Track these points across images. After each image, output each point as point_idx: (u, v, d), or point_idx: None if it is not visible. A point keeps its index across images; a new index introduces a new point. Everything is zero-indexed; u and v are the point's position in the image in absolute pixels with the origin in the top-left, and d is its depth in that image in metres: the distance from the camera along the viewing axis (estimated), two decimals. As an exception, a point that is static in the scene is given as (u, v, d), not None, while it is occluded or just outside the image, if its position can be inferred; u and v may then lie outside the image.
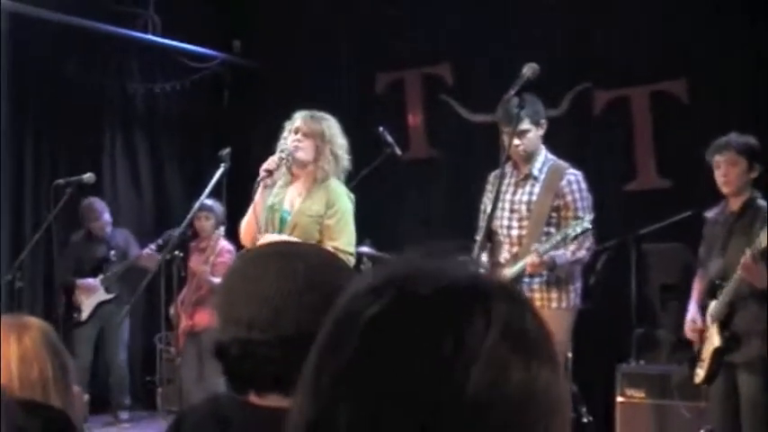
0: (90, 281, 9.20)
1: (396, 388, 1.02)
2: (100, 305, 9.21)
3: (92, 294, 9.20)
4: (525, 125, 5.72)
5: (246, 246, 5.84)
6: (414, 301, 1.06)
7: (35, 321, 2.83)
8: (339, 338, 1.07)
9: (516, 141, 5.73)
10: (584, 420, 7.79)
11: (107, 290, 9.22)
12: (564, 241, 5.72)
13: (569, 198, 5.94)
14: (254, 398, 1.95)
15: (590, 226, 5.69)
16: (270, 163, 5.75)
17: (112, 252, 9.26)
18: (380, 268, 1.14)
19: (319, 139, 5.77)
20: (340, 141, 5.83)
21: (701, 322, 5.87)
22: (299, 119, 5.85)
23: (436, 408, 1.01)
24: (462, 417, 1.02)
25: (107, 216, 9.31)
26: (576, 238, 5.71)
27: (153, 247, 8.93)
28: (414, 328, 1.04)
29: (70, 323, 9.12)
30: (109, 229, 9.35)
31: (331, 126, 5.82)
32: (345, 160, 5.87)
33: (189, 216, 6.85)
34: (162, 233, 8.87)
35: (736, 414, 5.84)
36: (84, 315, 9.18)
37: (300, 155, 5.78)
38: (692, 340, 5.98)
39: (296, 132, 5.81)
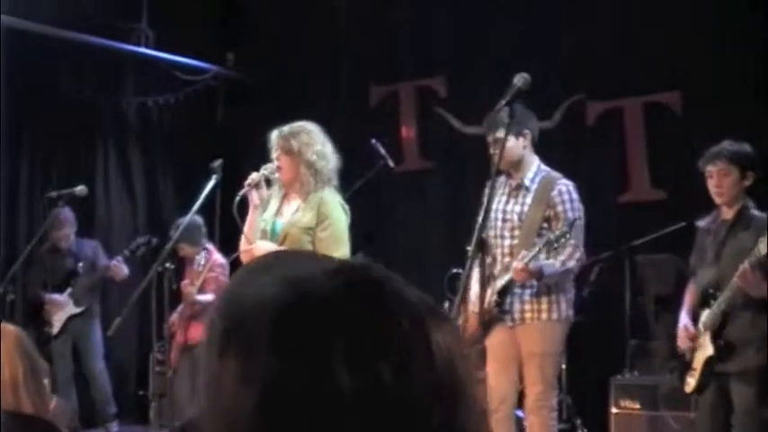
0: (57, 296, 9.07)
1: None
2: (70, 319, 9.10)
3: (61, 309, 9.09)
4: (500, 134, 5.66)
5: None
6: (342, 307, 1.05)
7: (8, 327, 2.88)
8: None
9: (492, 150, 5.72)
10: (579, 432, 7.79)
11: (76, 303, 9.10)
12: (548, 246, 5.72)
13: (559, 208, 5.95)
14: None
15: (567, 229, 5.68)
16: (252, 178, 5.77)
17: (80, 264, 9.16)
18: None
19: (291, 154, 5.76)
20: (315, 149, 5.78)
21: (694, 330, 5.85)
22: (273, 138, 5.87)
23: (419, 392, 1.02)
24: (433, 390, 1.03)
25: (69, 229, 9.11)
26: (557, 240, 5.71)
27: (120, 258, 8.89)
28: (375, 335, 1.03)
29: (42, 338, 9.03)
30: (72, 240, 9.20)
31: (301, 139, 5.78)
32: (329, 165, 5.83)
33: (178, 231, 6.85)
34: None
35: (725, 425, 5.82)
36: (55, 330, 9.08)
37: (282, 174, 5.81)
38: (683, 349, 5.96)
39: (275, 152, 5.84)
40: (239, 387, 1.04)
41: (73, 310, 9.11)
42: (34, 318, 9.08)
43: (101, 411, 9.30)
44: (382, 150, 7.39)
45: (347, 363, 1.00)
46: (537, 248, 5.73)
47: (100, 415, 9.30)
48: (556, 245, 5.73)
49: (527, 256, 5.74)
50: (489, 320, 5.80)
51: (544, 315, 5.94)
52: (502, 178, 6.04)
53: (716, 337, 5.72)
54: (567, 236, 5.71)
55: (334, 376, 1.00)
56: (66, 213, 9.08)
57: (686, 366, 5.90)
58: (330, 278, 1.06)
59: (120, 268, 8.84)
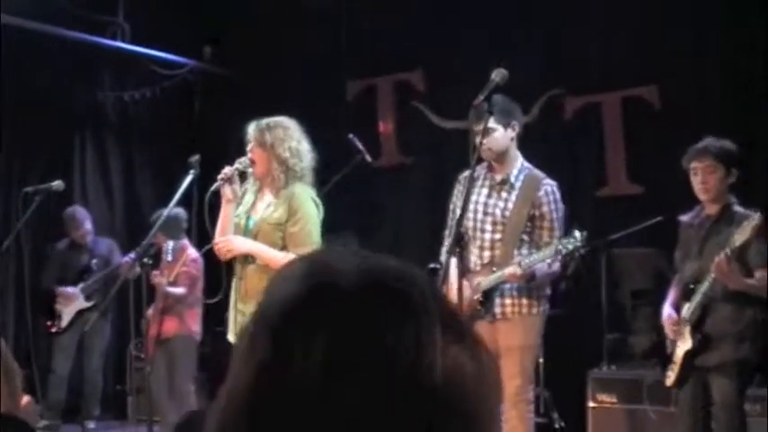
0: (70, 289, 9.19)
1: (363, 404, 1.01)
2: (80, 313, 9.19)
3: (72, 302, 9.18)
4: (490, 123, 5.68)
5: (222, 260, 5.85)
6: (349, 308, 1.05)
7: None
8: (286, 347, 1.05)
9: (477, 140, 5.71)
10: (557, 426, 7.82)
11: (87, 298, 9.20)
12: (554, 256, 5.72)
13: (545, 209, 5.96)
14: None
15: (582, 244, 5.68)
16: (225, 172, 5.74)
17: (94, 261, 9.26)
18: (296, 277, 1.11)
19: (264, 148, 5.74)
20: (288, 145, 5.74)
21: (677, 317, 5.87)
22: (249, 131, 5.83)
23: (408, 410, 1.01)
24: (423, 412, 1.01)
25: (88, 225, 9.37)
26: (570, 254, 5.73)
27: (133, 256, 8.91)
28: (361, 336, 1.03)
29: (50, 331, 9.10)
30: (90, 238, 9.37)
31: (275, 133, 5.74)
32: (302, 162, 5.79)
33: (155, 227, 6.82)
34: (132, 240, 8.85)
35: (704, 418, 5.86)
36: (64, 323, 9.15)
37: (256, 168, 5.78)
38: (668, 337, 5.96)
39: (250, 144, 5.82)
40: (239, 367, 1.07)
41: (83, 304, 9.23)
42: (45, 311, 9.14)
43: (86, 408, 9.30)
44: (360, 145, 7.38)
45: (325, 358, 1.01)
46: (542, 257, 5.72)
47: (83, 411, 9.30)
48: (563, 257, 5.76)
49: (528, 263, 5.73)
50: (468, 317, 5.80)
51: (525, 310, 5.95)
52: (481, 169, 6.02)
53: (695, 331, 5.75)
54: (581, 251, 5.73)
55: (311, 368, 1.01)
56: (82, 212, 9.28)
57: (667, 360, 5.93)
58: (354, 275, 1.08)
59: (134, 266, 8.86)
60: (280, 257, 5.48)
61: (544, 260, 5.76)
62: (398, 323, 1.04)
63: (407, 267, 1.12)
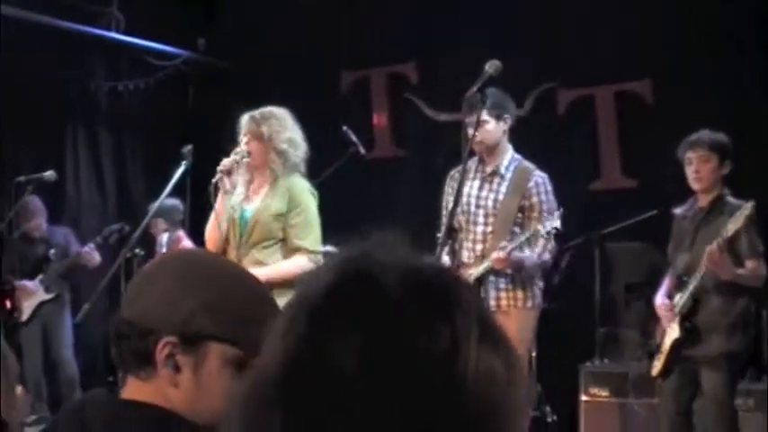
0: (28, 283, 9.01)
1: (393, 399, 1.00)
2: (40, 305, 9.07)
3: (31, 296, 9.04)
4: (483, 116, 5.69)
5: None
6: (387, 301, 1.04)
7: None
8: (317, 345, 1.04)
9: (470, 132, 5.71)
10: (549, 420, 7.81)
11: (47, 289, 9.07)
12: (533, 239, 5.73)
13: (535, 200, 5.98)
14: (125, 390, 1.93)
15: (559, 224, 5.70)
16: (225, 164, 5.73)
17: (52, 251, 9.12)
18: (337, 263, 1.11)
19: (261, 140, 5.74)
20: (285, 136, 5.77)
21: (671, 304, 5.89)
22: (243, 122, 5.84)
23: (436, 412, 1.00)
24: (458, 421, 1.01)
25: (40, 219, 9.11)
26: (546, 234, 5.73)
27: (92, 245, 8.86)
28: (398, 330, 1.02)
29: (12, 324, 8.99)
30: (44, 228, 9.19)
31: (271, 124, 5.76)
32: (298, 152, 5.82)
33: (148, 216, 6.79)
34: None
35: (687, 409, 5.88)
36: (25, 316, 9.03)
37: (251, 159, 5.76)
38: (662, 324, 5.97)
39: (244, 135, 5.80)
40: (270, 347, 1.06)
41: (43, 296, 9.08)
42: (3, 304, 9.03)
43: (66, 399, 9.26)
44: (353, 137, 7.37)
45: (358, 349, 1.01)
46: (522, 239, 5.73)
47: (64, 402, 9.26)
48: (543, 239, 5.75)
49: (509, 247, 5.74)
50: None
51: (520, 303, 5.96)
52: (471, 163, 6.02)
53: (684, 321, 5.76)
54: (555, 231, 5.73)
55: (342, 360, 1.00)
56: (36, 203, 9.03)
57: (655, 349, 5.95)
58: (397, 272, 1.07)
59: (92, 255, 8.81)
60: (292, 269, 5.55)
61: (523, 242, 5.74)
62: (435, 323, 1.03)
63: (450, 270, 1.12)
